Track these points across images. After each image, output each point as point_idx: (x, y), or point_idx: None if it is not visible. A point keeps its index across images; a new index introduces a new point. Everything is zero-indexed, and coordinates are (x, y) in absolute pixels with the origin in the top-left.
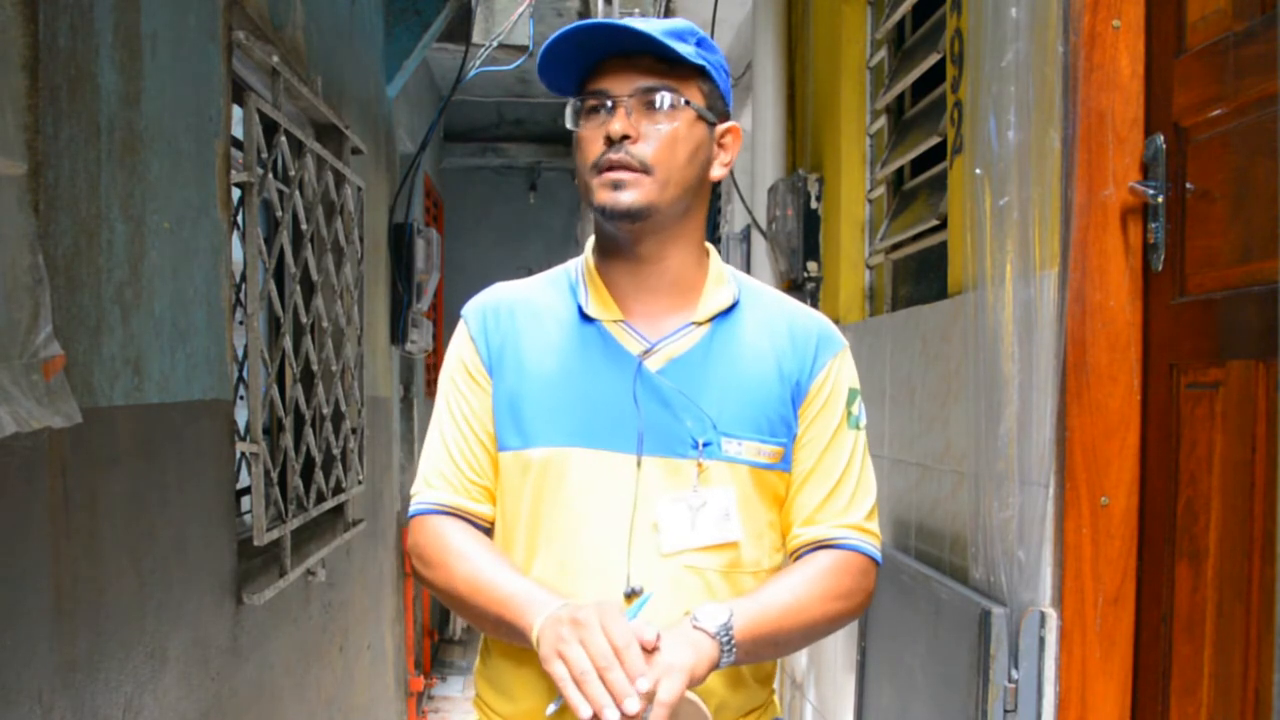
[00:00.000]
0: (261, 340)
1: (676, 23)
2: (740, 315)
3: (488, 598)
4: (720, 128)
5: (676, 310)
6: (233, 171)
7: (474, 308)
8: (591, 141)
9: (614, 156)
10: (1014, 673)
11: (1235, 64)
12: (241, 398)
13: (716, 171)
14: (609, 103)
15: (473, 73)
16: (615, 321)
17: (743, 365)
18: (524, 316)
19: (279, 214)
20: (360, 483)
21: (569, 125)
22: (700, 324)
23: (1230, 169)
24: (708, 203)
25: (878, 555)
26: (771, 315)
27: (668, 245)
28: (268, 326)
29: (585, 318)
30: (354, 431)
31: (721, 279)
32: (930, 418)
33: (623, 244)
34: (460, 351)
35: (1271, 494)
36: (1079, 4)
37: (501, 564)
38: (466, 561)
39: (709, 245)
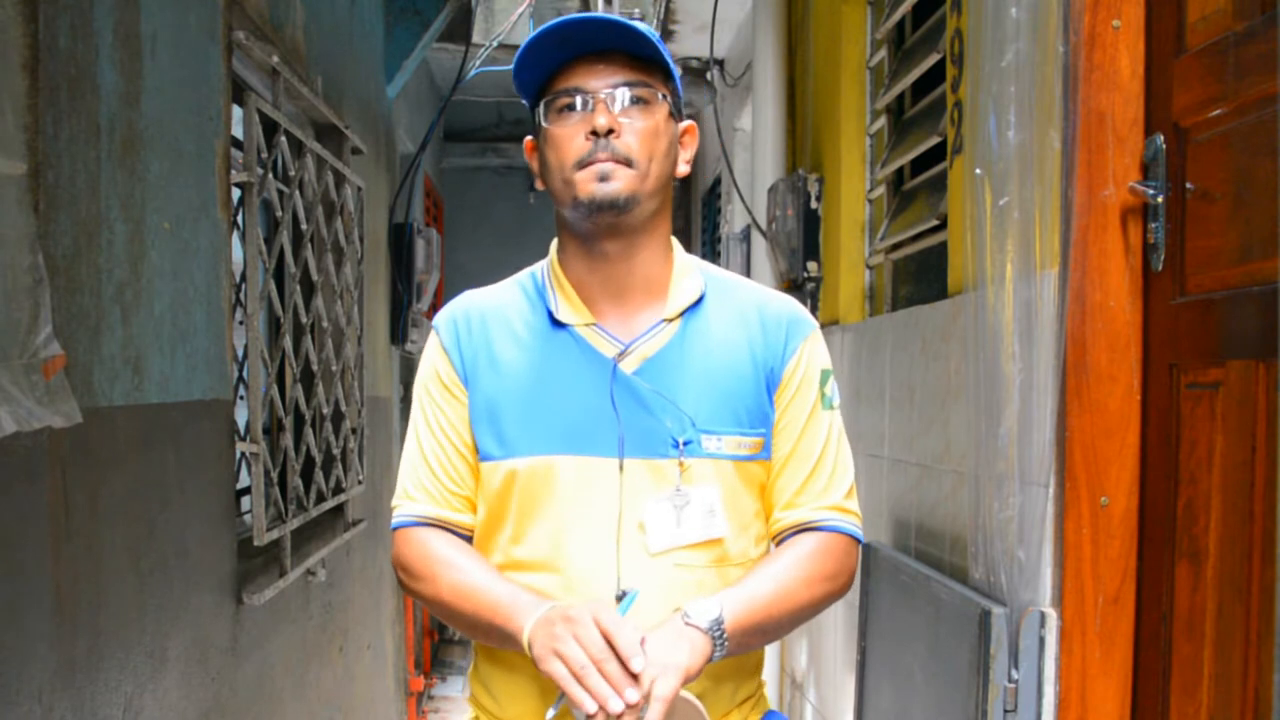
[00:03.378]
0: (261, 340)
1: (638, 24)
2: (710, 306)
3: (476, 604)
4: (680, 126)
5: (646, 308)
6: (233, 171)
7: (445, 318)
8: (569, 139)
9: (601, 153)
10: (1014, 673)
11: (1235, 64)
12: (241, 398)
13: (681, 169)
14: (585, 99)
15: (473, 73)
16: (587, 325)
17: (716, 358)
18: (495, 324)
19: (279, 214)
20: (360, 483)
21: (542, 123)
22: (671, 320)
23: (1230, 169)
24: (673, 200)
25: (859, 534)
26: (741, 303)
27: (637, 243)
28: (268, 326)
29: (556, 323)
30: (354, 431)
31: (687, 270)
32: (930, 418)
33: (593, 244)
34: (434, 362)
35: (1271, 494)
36: (1079, 4)
37: (488, 571)
38: (453, 570)
39: (673, 239)
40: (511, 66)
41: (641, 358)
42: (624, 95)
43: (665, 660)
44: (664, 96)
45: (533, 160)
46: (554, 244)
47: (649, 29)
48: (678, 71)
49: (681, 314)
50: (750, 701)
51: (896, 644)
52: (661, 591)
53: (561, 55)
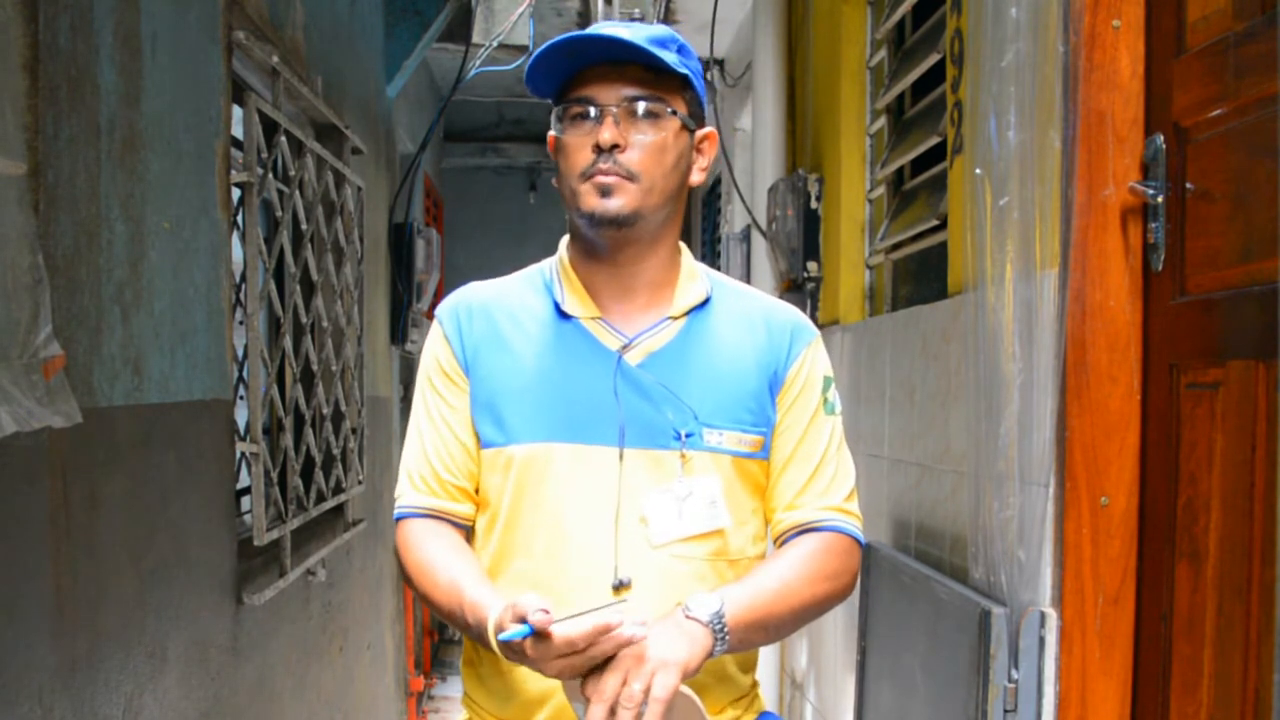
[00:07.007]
0: (261, 340)
1: (658, 30)
2: (714, 309)
3: (457, 601)
4: (699, 134)
5: (652, 306)
6: (233, 171)
7: (447, 308)
8: (578, 149)
9: (604, 165)
10: (1014, 673)
11: (1235, 64)
12: (241, 398)
13: (695, 177)
14: (596, 111)
15: (473, 73)
16: (593, 319)
17: (720, 357)
18: (500, 315)
19: (279, 214)
20: (360, 483)
21: (554, 131)
22: (676, 318)
23: (1230, 169)
24: (684, 206)
25: (860, 536)
26: (746, 308)
27: (645, 250)
28: (268, 326)
29: (562, 315)
30: (354, 431)
31: (693, 275)
32: (930, 418)
33: (602, 250)
34: (436, 352)
35: (1271, 494)
36: (1079, 4)
37: (467, 569)
38: (437, 569)
39: (680, 244)
40: (514, 65)
41: (645, 351)
42: (633, 109)
43: (664, 656)
44: (673, 111)
45: (554, 155)
46: (564, 240)
47: (669, 34)
48: (701, 74)
49: (687, 313)
50: (744, 700)
51: (896, 644)
52: (659, 583)
53: (576, 64)
